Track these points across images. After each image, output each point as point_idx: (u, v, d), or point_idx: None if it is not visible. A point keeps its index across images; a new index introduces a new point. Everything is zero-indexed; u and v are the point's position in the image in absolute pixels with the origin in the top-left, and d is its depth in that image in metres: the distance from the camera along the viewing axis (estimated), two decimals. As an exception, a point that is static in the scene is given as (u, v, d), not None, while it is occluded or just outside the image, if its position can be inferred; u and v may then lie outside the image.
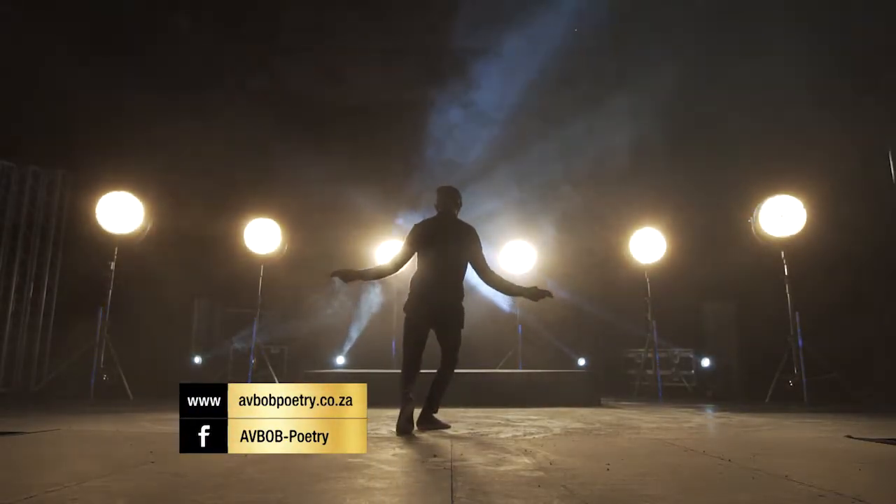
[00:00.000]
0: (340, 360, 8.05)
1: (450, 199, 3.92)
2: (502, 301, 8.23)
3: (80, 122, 7.49)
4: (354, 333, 8.07)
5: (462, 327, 3.81)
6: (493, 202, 8.05)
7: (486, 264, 3.81)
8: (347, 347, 8.05)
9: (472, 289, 8.06)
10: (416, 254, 3.82)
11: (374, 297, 8.21)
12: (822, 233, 6.50)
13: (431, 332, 3.79)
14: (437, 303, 3.68)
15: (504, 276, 3.96)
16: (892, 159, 7.01)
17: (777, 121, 7.21)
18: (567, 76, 7.91)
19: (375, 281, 8.01)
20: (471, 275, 3.93)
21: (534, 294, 3.69)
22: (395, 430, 3.45)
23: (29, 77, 7.42)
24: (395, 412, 4.51)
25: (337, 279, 3.79)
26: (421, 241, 3.79)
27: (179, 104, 7.58)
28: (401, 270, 3.88)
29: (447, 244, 3.74)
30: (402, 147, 8.19)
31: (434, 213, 4.00)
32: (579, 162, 8.29)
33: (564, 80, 7.92)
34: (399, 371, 3.71)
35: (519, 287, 3.81)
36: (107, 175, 7.34)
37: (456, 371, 3.84)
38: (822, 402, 5.98)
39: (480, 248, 3.83)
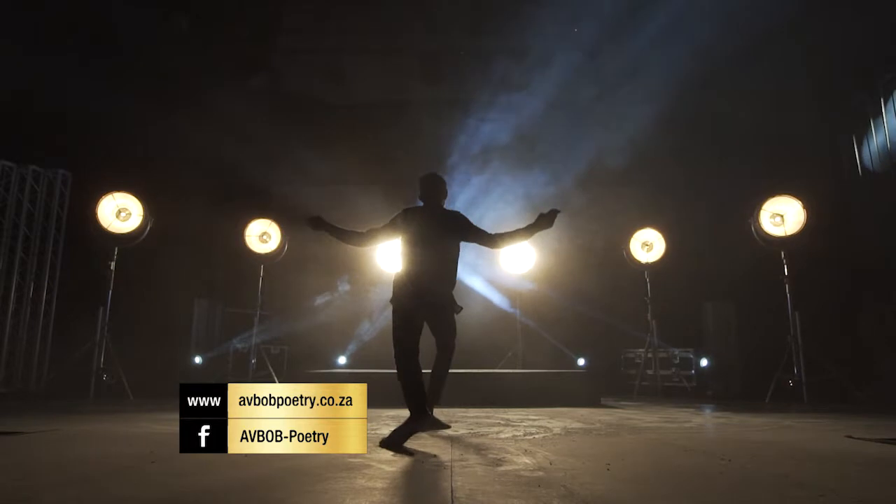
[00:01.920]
0: (342, 360, 8.05)
1: (436, 189, 3.67)
2: (502, 301, 8.25)
3: (81, 122, 7.50)
4: (357, 334, 8.06)
5: (455, 313, 3.65)
6: (494, 201, 8.06)
7: (487, 233, 3.60)
8: (350, 348, 8.04)
9: (471, 289, 8.14)
10: (399, 242, 3.58)
11: (374, 297, 8.21)
12: (821, 233, 6.51)
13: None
14: (429, 295, 3.45)
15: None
16: (857, 149, 7.06)
17: (777, 120, 7.21)
18: (569, 75, 7.91)
19: (371, 286, 7.99)
20: (463, 276, 3.84)
21: (544, 221, 3.44)
22: (385, 437, 2.99)
23: (30, 77, 7.42)
24: (396, 412, 4.52)
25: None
26: (409, 230, 3.53)
27: (179, 104, 7.58)
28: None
29: (438, 236, 3.50)
30: (403, 147, 8.19)
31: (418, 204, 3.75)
32: (580, 161, 8.30)
33: (565, 80, 7.92)
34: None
35: (528, 228, 3.50)
36: (107, 175, 7.34)
37: (456, 371, 3.78)
38: (822, 402, 5.98)
39: (473, 224, 3.62)
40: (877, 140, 6.77)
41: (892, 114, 6.55)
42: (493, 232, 3.62)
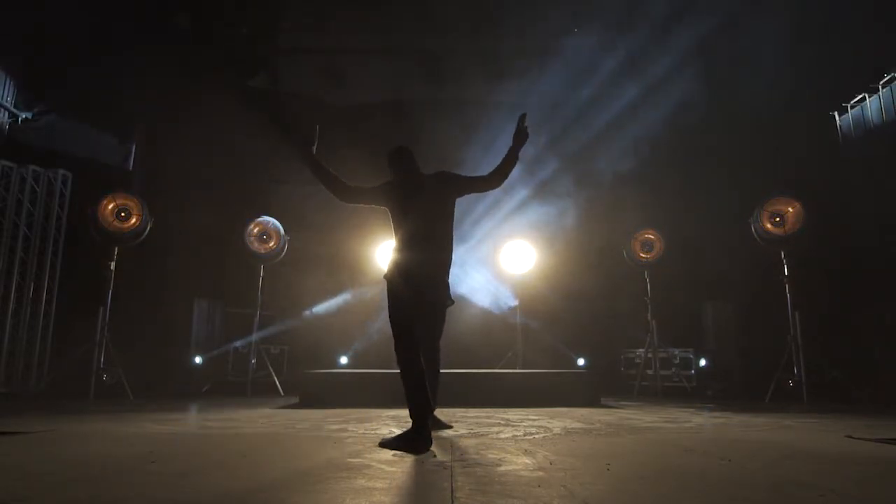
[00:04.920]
0: (343, 360, 8.05)
1: (411, 160, 3.44)
2: (502, 302, 8.25)
3: (81, 121, 7.51)
4: (358, 334, 8.06)
5: (447, 306, 3.53)
6: (494, 201, 8.06)
7: (481, 177, 3.45)
8: (355, 346, 8.03)
9: (472, 288, 8.14)
10: (390, 217, 3.43)
11: (375, 297, 8.20)
12: (822, 233, 6.51)
13: None
14: (427, 289, 3.29)
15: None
16: (840, 125, 7.10)
17: (777, 119, 7.22)
18: (569, 74, 7.91)
19: (372, 285, 7.93)
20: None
21: (521, 135, 3.36)
22: (387, 438, 2.96)
23: (31, 74, 7.43)
24: (396, 412, 4.52)
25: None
26: (398, 205, 3.35)
27: (179, 103, 7.58)
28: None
29: (431, 211, 3.33)
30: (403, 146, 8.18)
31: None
32: (581, 161, 8.30)
33: (566, 79, 7.91)
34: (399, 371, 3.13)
35: (511, 149, 3.39)
36: (107, 175, 7.35)
37: (456, 371, 3.75)
38: (822, 402, 5.98)
39: (464, 176, 3.46)
40: (876, 137, 6.77)
41: (891, 111, 6.56)
42: (476, 176, 3.48)
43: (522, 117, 3.42)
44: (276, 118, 7.19)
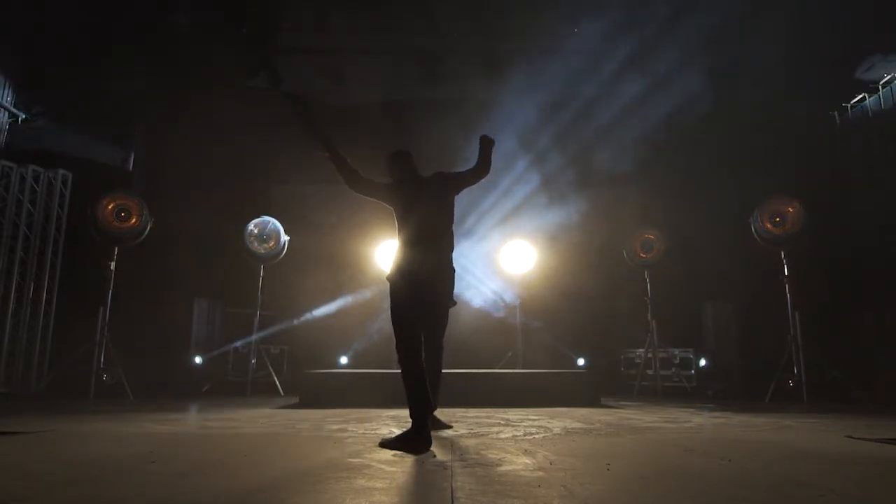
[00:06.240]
0: (343, 360, 8.05)
1: (411, 161, 3.60)
2: (502, 302, 8.25)
3: (81, 121, 7.51)
4: (358, 334, 8.05)
5: (450, 307, 3.57)
6: (494, 201, 8.06)
7: (468, 171, 3.58)
8: (355, 346, 8.03)
9: (471, 288, 8.14)
10: (394, 216, 3.47)
11: (375, 297, 8.21)
12: (822, 233, 6.51)
13: None
14: (429, 292, 3.30)
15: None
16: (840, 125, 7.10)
17: (776, 119, 7.22)
18: (571, 72, 7.89)
19: (371, 285, 7.92)
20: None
21: (485, 143, 3.56)
22: (387, 438, 2.98)
23: (31, 74, 7.43)
24: (396, 412, 4.52)
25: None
26: (400, 206, 3.41)
27: (179, 104, 7.58)
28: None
29: (429, 208, 3.38)
30: (404, 146, 8.16)
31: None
32: (581, 161, 8.29)
33: (566, 79, 7.90)
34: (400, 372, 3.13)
35: (481, 155, 3.58)
36: (107, 175, 7.35)
37: (456, 371, 3.75)
38: (822, 402, 5.98)
39: (458, 173, 3.60)
40: (876, 137, 6.77)
41: (891, 111, 6.56)
42: (465, 170, 3.62)
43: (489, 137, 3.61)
44: (292, 102, 7.20)
